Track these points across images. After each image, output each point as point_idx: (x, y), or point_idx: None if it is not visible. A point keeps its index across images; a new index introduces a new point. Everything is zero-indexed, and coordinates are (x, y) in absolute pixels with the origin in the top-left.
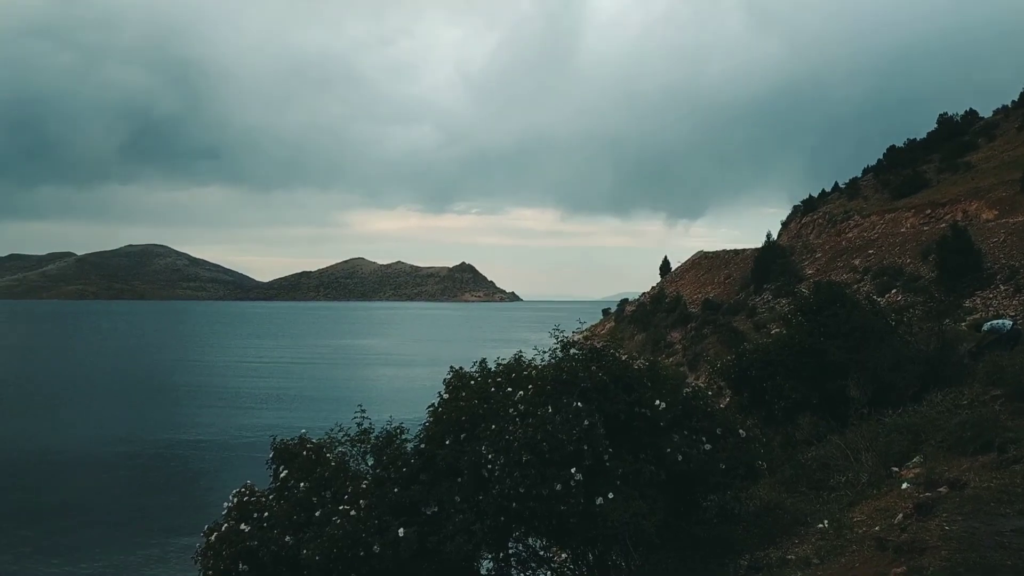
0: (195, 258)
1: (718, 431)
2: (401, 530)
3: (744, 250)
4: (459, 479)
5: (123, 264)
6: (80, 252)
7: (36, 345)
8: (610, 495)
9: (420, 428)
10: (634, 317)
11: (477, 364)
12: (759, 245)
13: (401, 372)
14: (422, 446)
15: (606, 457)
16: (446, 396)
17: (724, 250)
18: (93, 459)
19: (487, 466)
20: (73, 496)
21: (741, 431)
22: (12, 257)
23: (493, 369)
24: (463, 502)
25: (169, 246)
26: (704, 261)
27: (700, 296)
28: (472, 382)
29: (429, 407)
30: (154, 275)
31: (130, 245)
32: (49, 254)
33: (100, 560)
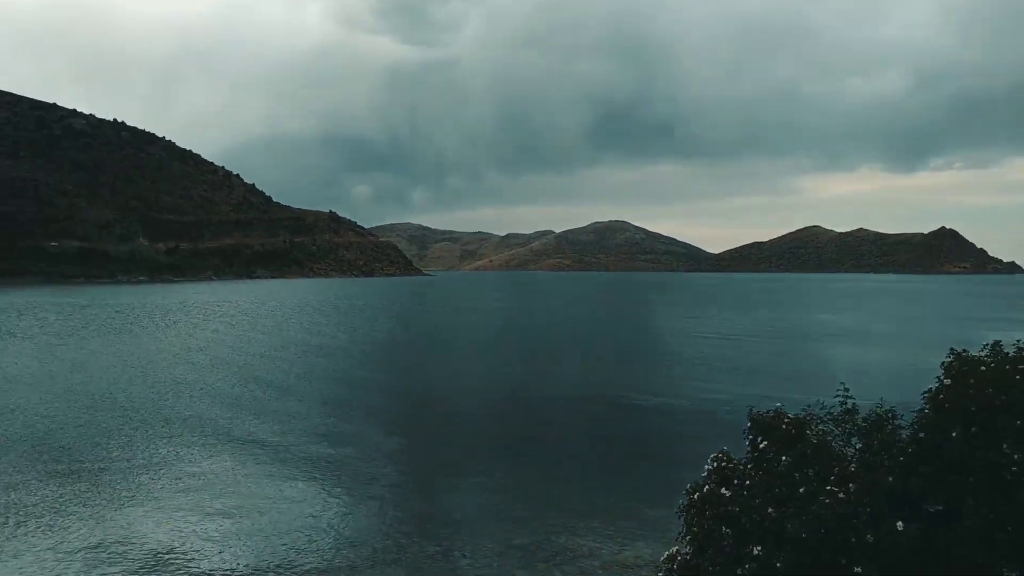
0: (651, 232)
1: None
2: (900, 523)
3: None
4: (970, 478)
5: (590, 239)
6: (558, 230)
7: (536, 308)
8: None
9: (914, 415)
10: None
11: (988, 347)
12: None
13: (870, 351)
14: (921, 435)
15: None
16: (947, 382)
17: None
18: (576, 408)
19: (1011, 468)
20: (561, 438)
21: None
22: (509, 236)
23: (1011, 355)
24: (978, 505)
25: (629, 221)
26: None
27: None
28: (983, 368)
29: (925, 393)
30: (616, 249)
31: (596, 222)
32: (535, 232)
33: (579, 495)
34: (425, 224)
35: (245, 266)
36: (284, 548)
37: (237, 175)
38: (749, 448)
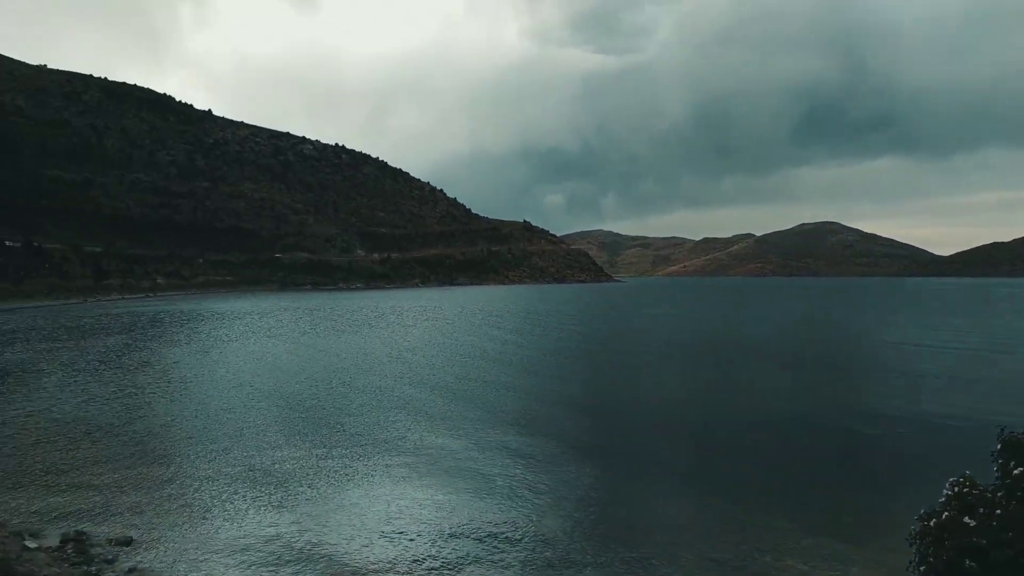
0: (866, 233)
1: None
2: None
3: None
4: None
5: (796, 243)
6: (758, 233)
7: (713, 316)
8: None
9: None
10: None
11: None
12: None
13: None
14: None
15: None
16: None
17: None
18: (784, 420)
19: None
20: (767, 451)
21: None
22: (705, 241)
23: None
24: None
25: (840, 223)
26: None
27: None
28: None
29: None
30: (826, 252)
31: (803, 224)
32: (733, 236)
33: (789, 513)
34: (616, 231)
35: (447, 274)
36: (482, 542)
37: (441, 190)
38: (999, 474)
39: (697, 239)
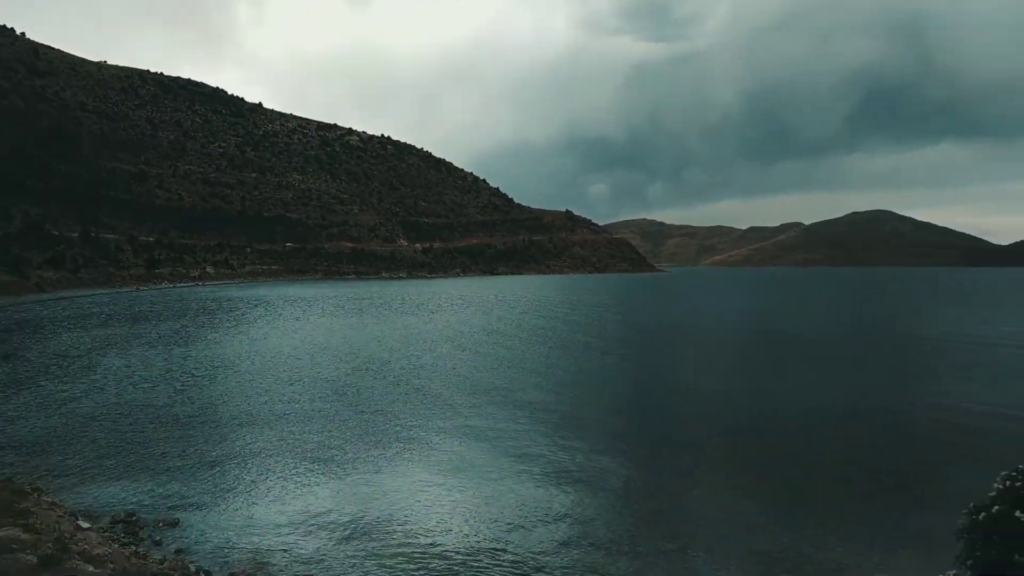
0: (921, 222)
1: None
2: None
3: None
4: None
5: (846, 232)
6: (807, 222)
7: (774, 310)
8: None
9: None
10: None
11: None
12: None
13: None
14: None
15: None
16: None
17: None
18: (831, 413)
19: None
20: (812, 443)
21: None
22: (752, 230)
23: None
24: None
25: (894, 211)
26: None
27: None
28: None
29: None
30: (878, 242)
31: (854, 213)
32: (781, 225)
33: (839, 508)
34: (660, 219)
35: (488, 263)
36: (522, 528)
37: (484, 180)
38: None
39: (744, 228)
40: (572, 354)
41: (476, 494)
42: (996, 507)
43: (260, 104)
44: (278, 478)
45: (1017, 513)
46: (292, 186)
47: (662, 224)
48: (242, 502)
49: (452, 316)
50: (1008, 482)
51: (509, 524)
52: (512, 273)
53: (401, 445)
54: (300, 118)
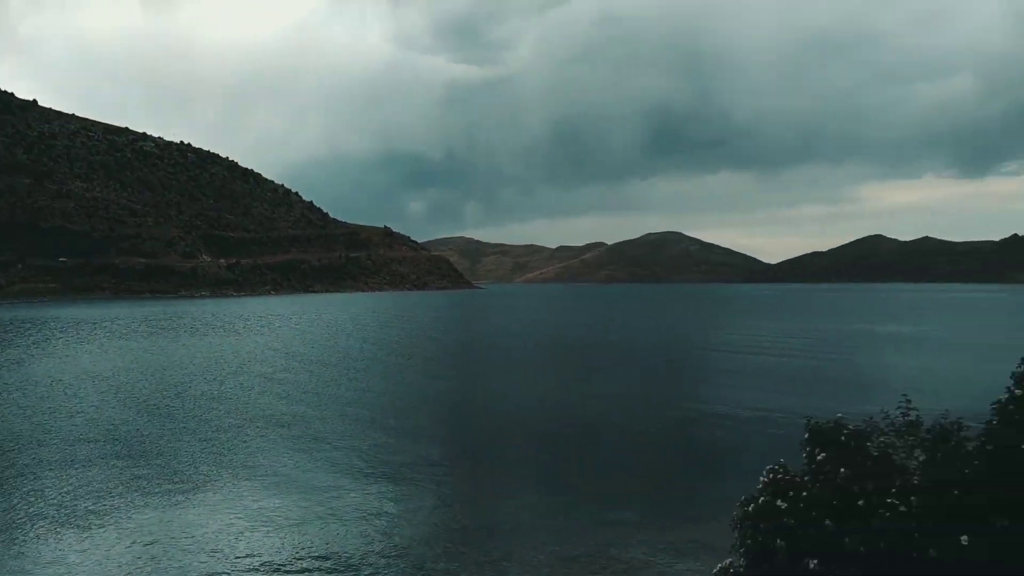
0: (705, 243)
1: None
2: (964, 538)
3: None
4: None
5: (643, 251)
6: (609, 242)
7: (583, 321)
8: None
9: (982, 427)
10: None
11: None
12: None
13: (936, 362)
14: (988, 447)
15: None
16: (1019, 393)
17: None
18: (628, 421)
19: None
20: (612, 450)
21: None
22: (561, 249)
23: None
24: None
25: (683, 232)
26: None
27: None
28: None
29: (994, 404)
30: (669, 260)
31: (649, 234)
32: (586, 244)
33: (632, 506)
34: (477, 237)
35: (302, 281)
36: (333, 555)
37: (296, 193)
38: (806, 460)
39: (554, 247)
40: (383, 374)
41: (276, 529)
42: (762, 498)
43: (35, 101)
44: (51, 523)
45: (778, 502)
46: (75, 195)
47: (479, 242)
48: (16, 546)
49: (258, 338)
50: (771, 475)
51: (314, 558)
52: (329, 290)
53: (176, 490)
54: (84, 119)
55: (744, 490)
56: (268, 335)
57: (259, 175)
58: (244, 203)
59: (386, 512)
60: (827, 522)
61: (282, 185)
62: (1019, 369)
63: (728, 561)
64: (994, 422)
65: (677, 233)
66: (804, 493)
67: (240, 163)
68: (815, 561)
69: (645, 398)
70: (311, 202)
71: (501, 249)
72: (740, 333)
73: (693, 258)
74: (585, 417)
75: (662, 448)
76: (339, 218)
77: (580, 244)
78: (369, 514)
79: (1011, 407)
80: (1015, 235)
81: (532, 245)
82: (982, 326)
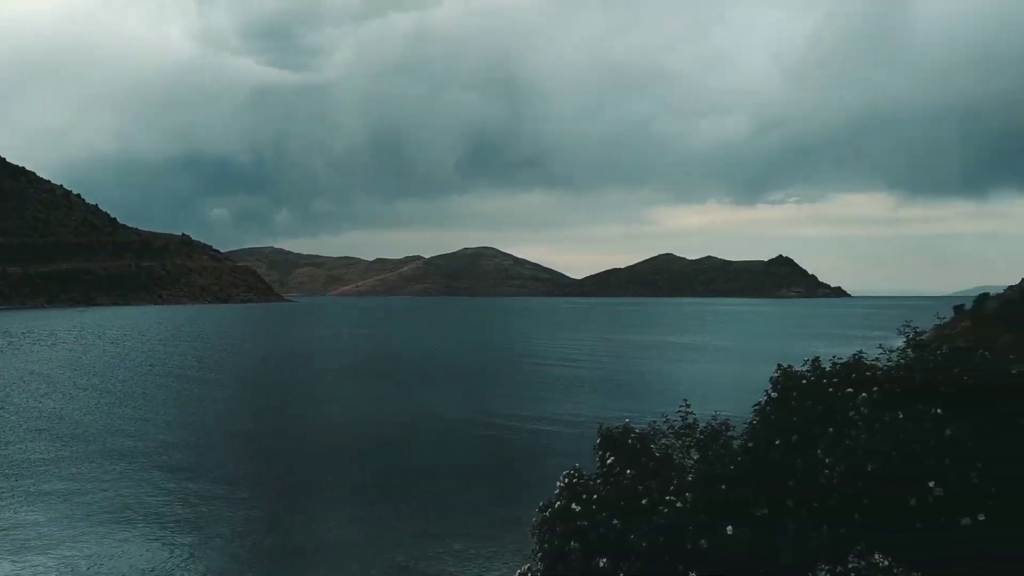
0: (518, 258)
1: None
2: (729, 528)
3: None
4: (790, 483)
5: (460, 265)
6: (427, 255)
7: (395, 334)
8: (980, 516)
9: (746, 427)
10: (1000, 314)
11: (808, 362)
12: None
13: (717, 368)
14: (750, 445)
15: (974, 474)
16: (774, 396)
17: None
18: (435, 432)
19: (824, 471)
20: (420, 462)
21: None
22: (378, 261)
23: (828, 368)
24: (797, 507)
25: (497, 248)
26: None
27: None
28: (804, 382)
29: (755, 406)
30: (485, 274)
31: (466, 248)
32: (404, 258)
33: (441, 518)
34: (288, 248)
35: (85, 292)
36: None
37: (78, 195)
38: (599, 463)
39: (371, 260)
40: (169, 400)
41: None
42: (559, 502)
43: None
44: None
45: (573, 505)
46: None
47: (290, 253)
48: None
49: (16, 362)
50: (568, 479)
51: None
52: (116, 303)
53: None
54: None
55: (546, 495)
56: (30, 357)
57: (33, 173)
58: (14, 204)
59: (183, 546)
60: (615, 522)
61: (60, 186)
62: (775, 375)
63: (527, 566)
64: (755, 422)
65: (492, 248)
66: (595, 496)
67: (8, 159)
68: (604, 560)
69: (458, 410)
70: (96, 205)
71: (314, 261)
72: (548, 345)
73: (507, 273)
74: (397, 431)
75: (474, 458)
76: (130, 224)
77: (398, 257)
78: (168, 547)
79: (768, 408)
80: (780, 255)
81: (348, 257)
82: (753, 335)
